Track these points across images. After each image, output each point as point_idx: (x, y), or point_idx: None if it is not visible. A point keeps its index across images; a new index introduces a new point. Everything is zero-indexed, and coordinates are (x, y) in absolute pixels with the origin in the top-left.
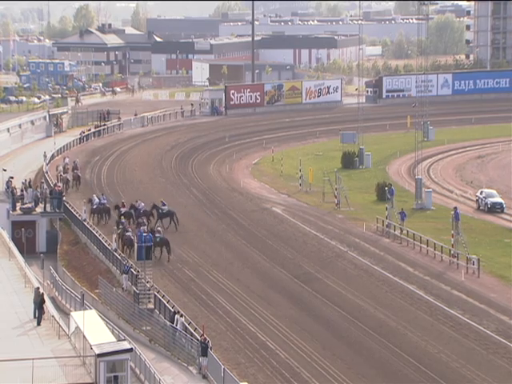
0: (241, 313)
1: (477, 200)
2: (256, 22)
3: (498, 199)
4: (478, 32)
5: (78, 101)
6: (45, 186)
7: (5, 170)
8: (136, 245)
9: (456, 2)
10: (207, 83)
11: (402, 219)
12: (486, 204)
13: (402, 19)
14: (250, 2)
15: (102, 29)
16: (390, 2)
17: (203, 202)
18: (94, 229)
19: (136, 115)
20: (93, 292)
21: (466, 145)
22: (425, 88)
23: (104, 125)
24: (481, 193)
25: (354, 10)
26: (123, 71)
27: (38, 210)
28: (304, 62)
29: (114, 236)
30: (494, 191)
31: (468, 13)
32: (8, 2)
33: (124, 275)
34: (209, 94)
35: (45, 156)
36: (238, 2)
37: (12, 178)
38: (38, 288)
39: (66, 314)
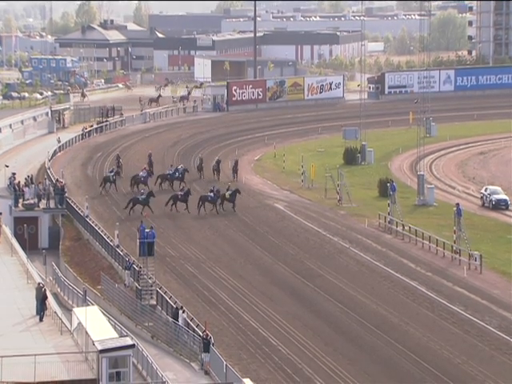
0: (243, 309)
1: (481, 197)
2: (258, 18)
3: (503, 196)
4: (480, 28)
5: (83, 95)
6: (47, 182)
7: (7, 166)
8: (138, 241)
9: None
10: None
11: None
12: (491, 201)
13: (405, 15)
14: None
15: (104, 25)
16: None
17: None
18: (96, 225)
19: (142, 111)
20: (95, 288)
21: (469, 141)
22: (427, 84)
23: (106, 121)
24: (485, 190)
25: (357, 7)
26: (125, 67)
27: (41, 206)
28: (306, 59)
29: (117, 232)
30: (498, 188)
31: (470, 9)
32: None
33: (126, 271)
34: (211, 90)
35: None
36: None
37: (15, 173)
38: (40, 284)
39: (68, 309)
